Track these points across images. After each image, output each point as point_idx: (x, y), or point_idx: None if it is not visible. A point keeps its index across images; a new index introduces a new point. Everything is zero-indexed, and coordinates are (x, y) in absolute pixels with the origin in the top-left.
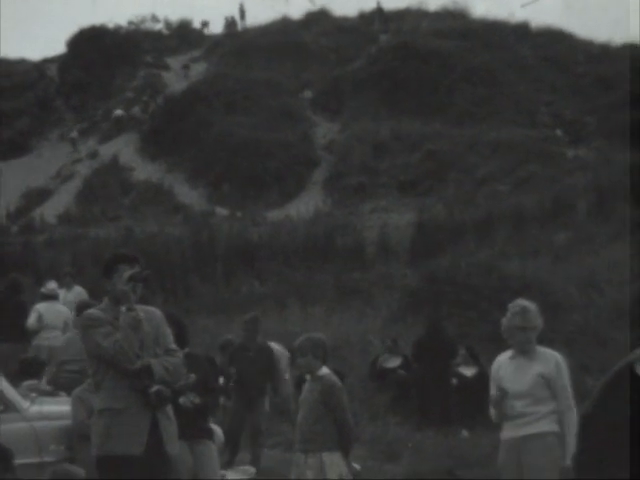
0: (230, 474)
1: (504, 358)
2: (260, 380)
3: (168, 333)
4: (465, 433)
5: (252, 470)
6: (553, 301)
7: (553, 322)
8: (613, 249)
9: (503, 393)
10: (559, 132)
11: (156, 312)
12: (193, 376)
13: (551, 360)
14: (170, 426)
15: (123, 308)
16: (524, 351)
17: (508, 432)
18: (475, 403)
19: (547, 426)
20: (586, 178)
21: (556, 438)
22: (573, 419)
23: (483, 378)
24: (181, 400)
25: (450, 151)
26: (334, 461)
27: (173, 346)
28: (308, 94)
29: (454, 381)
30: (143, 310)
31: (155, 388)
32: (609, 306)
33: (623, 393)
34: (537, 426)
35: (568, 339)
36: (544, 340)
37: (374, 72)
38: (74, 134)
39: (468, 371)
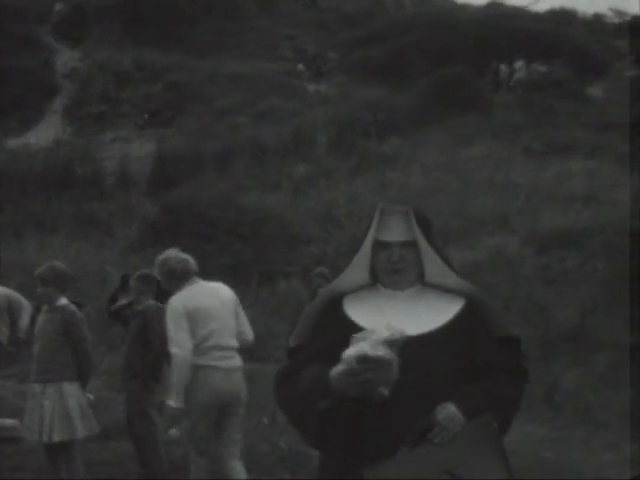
0: None
1: None
2: None
3: None
4: None
5: None
6: (291, 234)
7: (290, 255)
8: (352, 183)
9: None
10: (301, 66)
11: None
12: None
13: None
14: None
15: None
16: None
17: None
18: None
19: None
20: (326, 113)
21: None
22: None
23: None
24: None
25: (191, 82)
26: (73, 391)
27: None
28: (50, 20)
29: None
30: None
31: None
32: (348, 239)
33: (331, 325)
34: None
35: (305, 271)
36: (278, 272)
37: (117, 0)
38: None
39: None
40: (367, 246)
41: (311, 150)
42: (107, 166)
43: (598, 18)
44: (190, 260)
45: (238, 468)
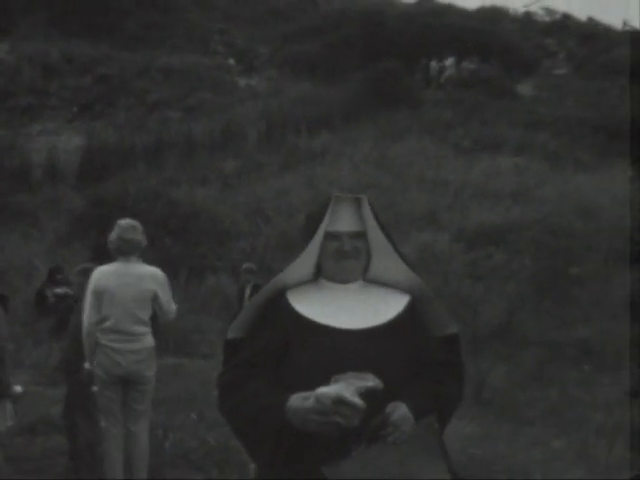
0: None
1: None
2: None
3: None
4: None
5: None
6: (221, 229)
7: (220, 250)
8: (282, 178)
9: None
10: (232, 60)
11: None
12: None
13: None
14: None
15: None
16: None
17: None
18: None
19: None
20: (257, 107)
21: None
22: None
23: None
24: None
25: (121, 75)
26: None
27: None
28: None
29: None
30: None
31: None
32: (276, 234)
33: (276, 318)
34: None
35: (234, 267)
36: (208, 268)
37: None
38: None
39: None
40: (318, 238)
41: (241, 145)
42: (35, 158)
43: (528, 16)
44: (132, 242)
45: (141, 441)
